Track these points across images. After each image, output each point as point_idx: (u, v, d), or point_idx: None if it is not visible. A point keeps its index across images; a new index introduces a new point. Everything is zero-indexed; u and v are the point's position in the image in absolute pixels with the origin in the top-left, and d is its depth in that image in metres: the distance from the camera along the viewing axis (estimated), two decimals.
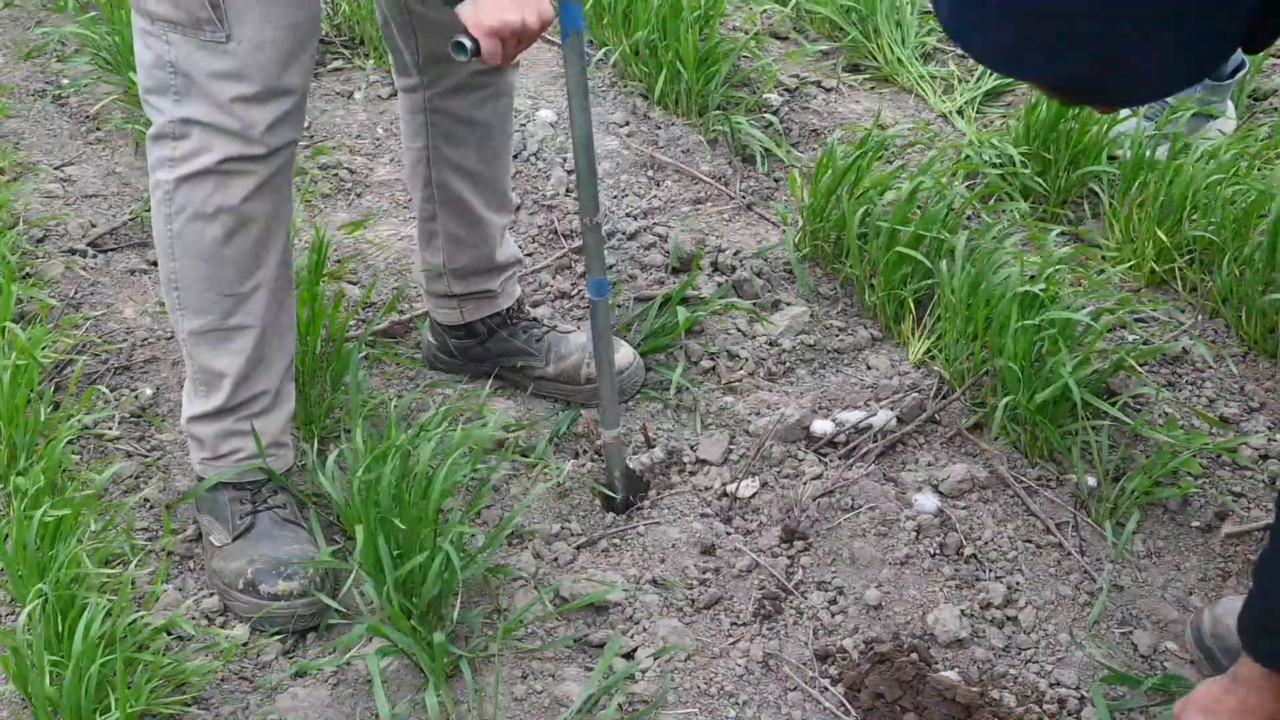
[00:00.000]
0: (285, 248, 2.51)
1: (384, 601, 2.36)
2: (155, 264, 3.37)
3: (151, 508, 2.75)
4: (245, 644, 2.47)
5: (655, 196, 3.70)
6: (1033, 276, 2.96)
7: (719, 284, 3.32)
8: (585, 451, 2.92)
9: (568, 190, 3.69)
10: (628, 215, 3.60)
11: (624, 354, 2.99)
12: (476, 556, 2.50)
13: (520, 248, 3.27)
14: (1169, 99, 3.79)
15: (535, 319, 3.06)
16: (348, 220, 3.61)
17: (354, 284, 3.38)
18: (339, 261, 3.39)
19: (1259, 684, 2.10)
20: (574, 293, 3.34)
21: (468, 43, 2.26)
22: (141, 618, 2.39)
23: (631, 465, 2.83)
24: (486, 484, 2.69)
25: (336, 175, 3.82)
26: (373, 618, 2.41)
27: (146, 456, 2.87)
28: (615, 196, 3.68)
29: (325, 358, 2.91)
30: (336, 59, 4.40)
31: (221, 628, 2.50)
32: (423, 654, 2.35)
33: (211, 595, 2.56)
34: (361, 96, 4.22)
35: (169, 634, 2.43)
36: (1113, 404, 2.87)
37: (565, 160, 3.79)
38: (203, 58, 2.28)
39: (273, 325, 2.53)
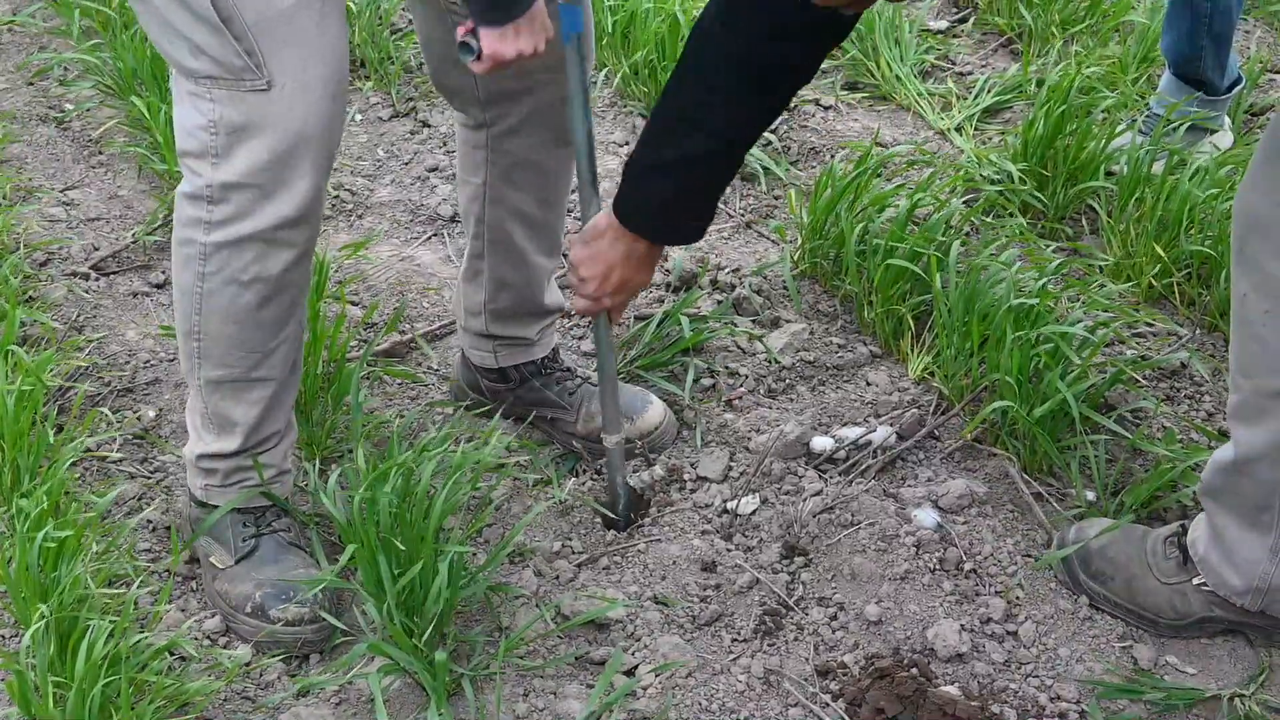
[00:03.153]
0: (306, 303, 2.52)
1: (386, 620, 2.37)
2: (158, 286, 3.41)
3: (154, 529, 2.76)
4: (248, 664, 2.48)
5: None
6: (1027, 290, 2.97)
7: (719, 302, 3.34)
8: (586, 470, 2.93)
9: (568, 210, 3.70)
10: None
11: (655, 411, 2.96)
12: (478, 575, 2.51)
13: None
14: (1160, 111, 3.81)
15: (569, 369, 3.02)
16: (348, 241, 3.63)
17: (355, 304, 3.40)
18: (340, 283, 3.41)
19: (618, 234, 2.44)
20: (584, 322, 3.35)
21: (474, 44, 2.28)
22: (144, 639, 2.39)
23: (632, 483, 2.84)
24: (488, 503, 2.70)
25: (338, 197, 3.84)
26: (375, 637, 2.42)
27: (149, 478, 2.89)
28: None
29: (327, 379, 2.93)
30: None
31: (224, 648, 2.51)
32: (425, 672, 2.36)
33: (213, 616, 2.56)
34: (361, 119, 4.24)
35: (171, 654, 2.44)
36: (1111, 418, 2.88)
37: None
38: (247, 109, 2.22)
39: (289, 373, 2.54)
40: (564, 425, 2.96)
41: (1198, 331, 3.32)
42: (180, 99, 2.29)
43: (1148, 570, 2.56)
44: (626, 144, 3.98)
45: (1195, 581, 2.51)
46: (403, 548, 2.37)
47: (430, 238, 3.69)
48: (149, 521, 2.77)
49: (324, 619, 2.48)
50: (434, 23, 2.58)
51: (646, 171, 2.38)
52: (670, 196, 2.39)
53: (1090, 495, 2.81)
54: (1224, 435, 2.94)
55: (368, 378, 3.10)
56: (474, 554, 2.58)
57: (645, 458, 2.92)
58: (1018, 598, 2.62)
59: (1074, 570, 2.62)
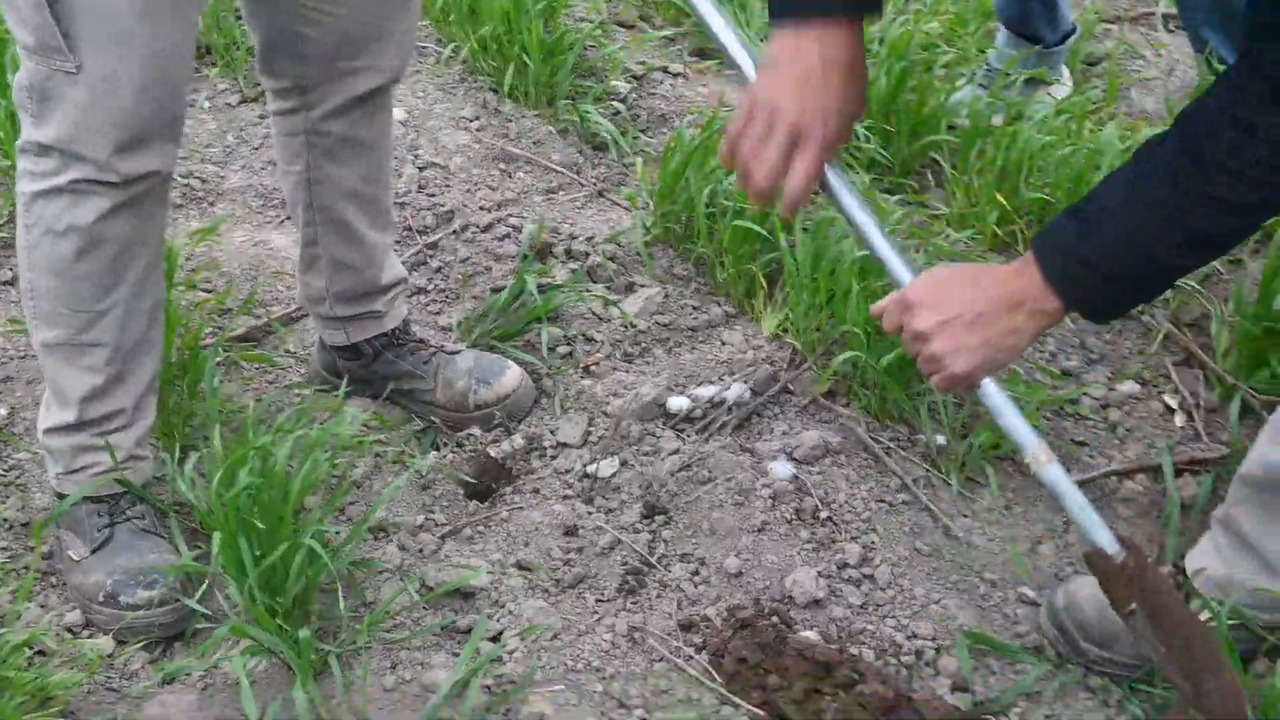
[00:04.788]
0: (149, 270, 2.49)
1: (247, 601, 2.37)
2: (5, 284, 3.36)
3: (10, 527, 2.73)
4: (110, 655, 2.47)
5: (508, 188, 3.73)
6: None
7: (573, 270, 3.37)
8: (447, 444, 2.95)
9: (420, 187, 3.70)
10: (481, 208, 3.62)
11: (511, 375, 2.99)
12: (340, 551, 2.51)
13: None
14: (999, 65, 3.90)
15: (422, 340, 3.03)
16: (200, 228, 3.60)
17: (208, 291, 3.37)
18: (193, 270, 3.38)
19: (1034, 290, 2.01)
20: (429, 287, 3.36)
21: None
22: (4, 635, 2.37)
23: (492, 453, 2.87)
24: (346, 480, 2.71)
25: (188, 184, 3.80)
26: (238, 619, 2.42)
27: (4, 476, 2.85)
28: (468, 190, 3.70)
29: (182, 366, 2.91)
30: None
31: (86, 639, 2.50)
32: (290, 651, 2.36)
33: (74, 609, 2.55)
34: (210, 105, 4.20)
35: (31, 649, 2.42)
36: None
37: (416, 157, 3.81)
38: (55, 85, 2.26)
39: (129, 344, 2.52)
40: (422, 395, 2.97)
41: None
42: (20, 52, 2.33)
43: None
44: (477, 119, 3.98)
45: (1202, 618, 2.32)
46: (262, 527, 2.37)
47: (283, 221, 3.67)
48: (4, 520, 2.73)
49: (178, 600, 2.47)
50: (260, 6, 2.59)
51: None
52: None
53: (940, 439, 2.88)
54: (1066, 374, 3.05)
55: (223, 364, 3.08)
56: (336, 532, 2.58)
57: (505, 426, 2.95)
58: (873, 542, 2.68)
59: (1075, 641, 2.48)
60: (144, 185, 2.37)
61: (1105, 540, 2.13)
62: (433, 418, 2.97)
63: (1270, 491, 2.31)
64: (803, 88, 1.95)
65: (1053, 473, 2.13)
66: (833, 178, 2.05)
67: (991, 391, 2.12)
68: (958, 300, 2.02)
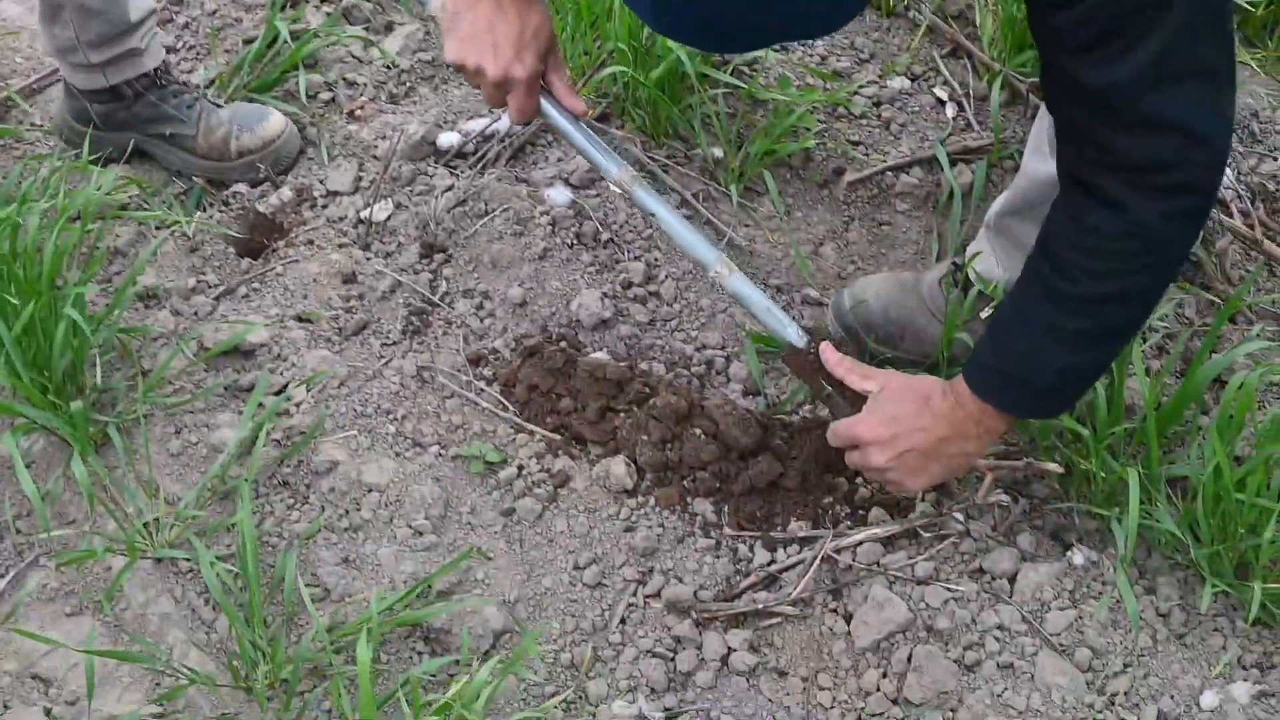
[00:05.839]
0: None
1: (12, 378, 2.27)
2: None
3: None
4: None
5: None
6: None
7: (328, 14, 3.22)
8: (212, 204, 2.83)
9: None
10: None
11: (275, 121, 2.86)
12: (106, 319, 2.41)
13: None
14: None
15: (184, 84, 2.88)
16: None
17: None
18: None
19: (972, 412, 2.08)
20: (179, 45, 3.19)
21: None
22: None
23: (261, 209, 2.77)
24: (100, 247, 2.58)
25: None
26: (3, 398, 2.32)
27: None
28: None
29: None
30: None
31: None
32: (65, 426, 2.27)
33: None
34: None
35: None
36: (726, 72, 2.90)
37: None
38: None
39: None
40: (184, 142, 2.85)
41: None
42: None
43: (932, 318, 2.50)
44: None
45: (984, 315, 2.43)
46: (15, 301, 2.26)
47: None
48: None
49: None
50: None
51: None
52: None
53: (717, 152, 2.85)
54: (837, 75, 3.02)
55: None
56: (101, 301, 2.48)
57: (271, 179, 2.84)
58: (656, 259, 2.66)
59: (862, 341, 2.52)
60: None
61: (793, 335, 2.21)
62: (195, 176, 2.85)
63: (1039, 202, 2.34)
64: (489, 44, 2.10)
65: (734, 283, 2.21)
66: (545, 105, 2.22)
67: (657, 208, 2.24)
68: (908, 436, 2.10)
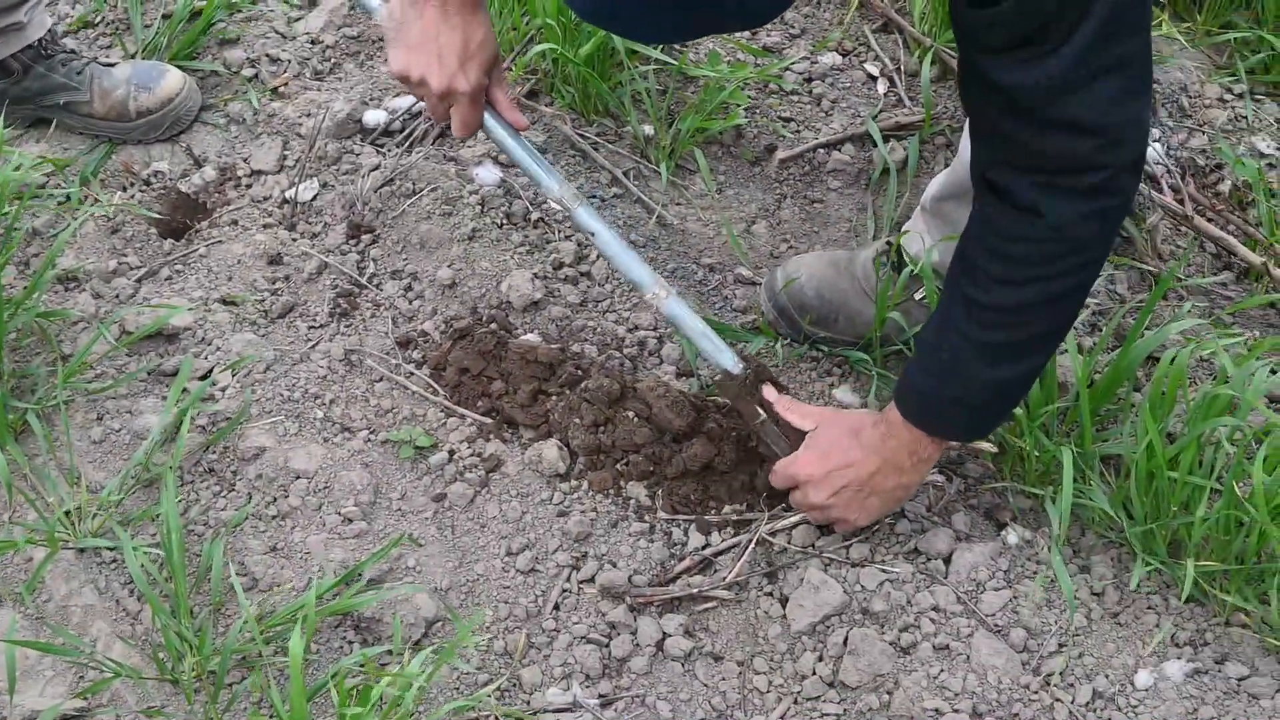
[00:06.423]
0: None
1: None
2: None
3: None
4: None
5: None
6: None
7: None
8: (133, 184, 2.77)
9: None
10: None
11: (173, 79, 2.82)
12: (24, 302, 2.36)
13: None
14: None
15: (73, 51, 2.83)
16: None
17: None
18: None
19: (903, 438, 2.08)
20: (97, 20, 3.12)
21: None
22: None
23: (183, 188, 2.71)
24: (16, 228, 2.52)
25: None
26: None
27: None
28: None
29: None
30: None
31: None
32: None
33: None
34: None
35: None
36: (656, 49, 2.87)
37: None
38: None
39: None
40: (80, 109, 2.79)
41: None
42: None
43: (866, 299, 2.46)
44: None
45: (918, 296, 2.41)
46: None
47: None
48: None
49: None
50: None
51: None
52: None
53: (648, 129, 2.82)
54: (768, 51, 3.00)
55: None
56: (19, 284, 2.42)
57: (175, 140, 2.78)
58: (586, 239, 2.63)
59: (795, 322, 2.48)
60: None
61: (729, 362, 2.20)
62: (97, 129, 2.80)
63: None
64: (434, 56, 2.10)
65: (671, 306, 2.21)
66: (488, 119, 2.23)
67: (598, 228, 2.23)
68: (841, 472, 2.10)
